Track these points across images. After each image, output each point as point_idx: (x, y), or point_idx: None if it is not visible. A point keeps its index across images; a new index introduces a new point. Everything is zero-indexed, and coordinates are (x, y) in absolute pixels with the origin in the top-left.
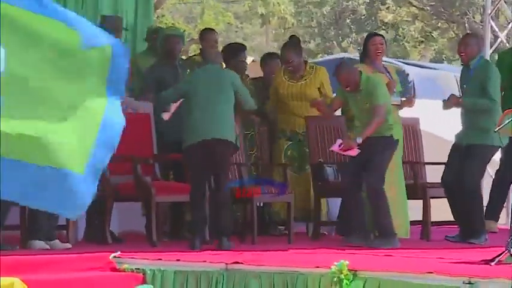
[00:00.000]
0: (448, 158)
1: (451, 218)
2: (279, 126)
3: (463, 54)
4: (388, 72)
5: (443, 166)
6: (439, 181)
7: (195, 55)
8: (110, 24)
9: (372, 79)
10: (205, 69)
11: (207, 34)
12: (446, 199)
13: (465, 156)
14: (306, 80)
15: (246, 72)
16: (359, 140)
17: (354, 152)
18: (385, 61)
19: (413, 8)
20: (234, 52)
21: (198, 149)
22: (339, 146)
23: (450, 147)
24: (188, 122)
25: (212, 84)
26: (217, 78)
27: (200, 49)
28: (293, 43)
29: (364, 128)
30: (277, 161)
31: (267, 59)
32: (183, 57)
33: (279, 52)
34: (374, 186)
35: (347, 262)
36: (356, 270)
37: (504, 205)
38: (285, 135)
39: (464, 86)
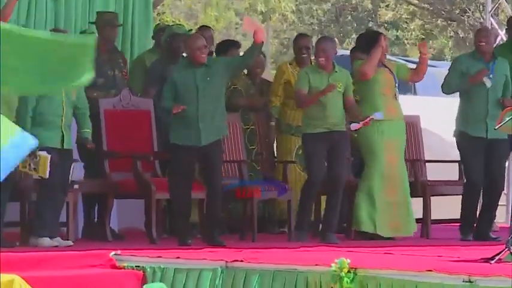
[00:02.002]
0: (474, 155)
1: (451, 216)
2: (292, 123)
3: (483, 43)
4: (388, 68)
5: (444, 164)
6: (440, 179)
7: None
8: (105, 21)
9: (344, 69)
10: None
11: (201, 31)
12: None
13: (497, 151)
14: None
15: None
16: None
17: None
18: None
19: (413, 6)
20: (225, 49)
21: None
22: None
23: (459, 144)
24: None
25: None
26: None
27: None
28: (305, 34)
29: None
30: (284, 156)
31: (297, 38)
32: (184, 55)
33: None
34: (344, 181)
35: (348, 260)
36: (356, 268)
37: (502, 203)
38: (300, 131)
39: (491, 76)
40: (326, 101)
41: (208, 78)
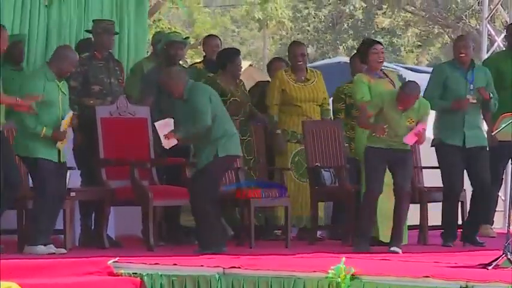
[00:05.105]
0: (451, 163)
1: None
2: (288, 129)
3: (463, 55)
4: (389, 78)
5: (440, 170)
6: (437, 185)
7: (196, 63)
8: (102, 29)
9: (426, 102)
10: (200, 85)
11: (208, 40)
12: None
13: (479, 158)
14: (313, 83)
15: (244, 76)
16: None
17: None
18: (385, 66)
19: (409, 13)
20: (231, 57)
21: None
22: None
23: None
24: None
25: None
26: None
27: (204, 56)
28: (299, 42)
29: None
30: (281, 163)
31: (272, 62)
32: (183, 64)
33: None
34: (409, 191)
35: (344, 266)
36: (353, 275)
37: (500, 209)
38: (296, 137)
39: (471, 87)
40: (393, 129)
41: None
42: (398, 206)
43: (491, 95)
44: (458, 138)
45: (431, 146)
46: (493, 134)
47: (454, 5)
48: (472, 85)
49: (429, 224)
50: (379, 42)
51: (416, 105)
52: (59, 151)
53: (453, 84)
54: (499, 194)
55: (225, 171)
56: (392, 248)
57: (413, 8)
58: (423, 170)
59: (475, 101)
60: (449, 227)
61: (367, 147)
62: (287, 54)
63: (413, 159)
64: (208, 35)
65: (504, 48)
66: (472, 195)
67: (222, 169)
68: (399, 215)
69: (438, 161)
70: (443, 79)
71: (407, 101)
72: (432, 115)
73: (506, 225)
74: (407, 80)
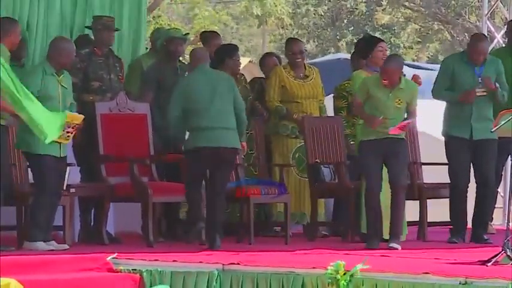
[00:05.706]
0: (457, 156)
1: (448, 219)
2: (288, 124)
3: (477, 60)
4: None
5: (440, 166)
6: (436, 181)
7: None
8: (102, 25)
9: (412, 83)
10: (203, 71)
11: (210, 38)
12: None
13: (486, 151)
14: (312, 79)
15: (244, 73)
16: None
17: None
18: None
19: (409, 10)
20: (230, 52)
21: (193, 155)
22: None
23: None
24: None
25: (215, 86)
26: (218, 80)
27: None
28: (297, 39)
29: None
30: (281, 159)
31: (265, 58)
32: (183, 61)
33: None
34: (403, 184)
35: (344, 263)
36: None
37: (499, 205)
38: (294, 133)
39: (480, 79)
40: (382, 112)
41: None
42: (394, 201)
43: (497, 85)
44: (465, 130)
45: (442, 135)
46: (492, 131)
47: (453, 2)
48: (480, 78)
49: (428, 220)
50: (382, 40)
51: (402, 85)
52: (60, 145)
53: (460, 77)
54: (499, 190)
55: (199, 163)
56: (391, 244)
57: (412, 4)
58: (422, 166)
59: (484, 94)
60: (456, 223)
61: (361, 142)
62: (284, 50)
63: (409, 151)
64: (209, 32)
65: (504, 45)
66: (476, 194)
67: (192, 161)
68: (397, 210)
69: (446, 154)
70: (451, 71)
71: (390, 75)
72: (441, 108)
73: (506, 221)
74: (389, 55)
